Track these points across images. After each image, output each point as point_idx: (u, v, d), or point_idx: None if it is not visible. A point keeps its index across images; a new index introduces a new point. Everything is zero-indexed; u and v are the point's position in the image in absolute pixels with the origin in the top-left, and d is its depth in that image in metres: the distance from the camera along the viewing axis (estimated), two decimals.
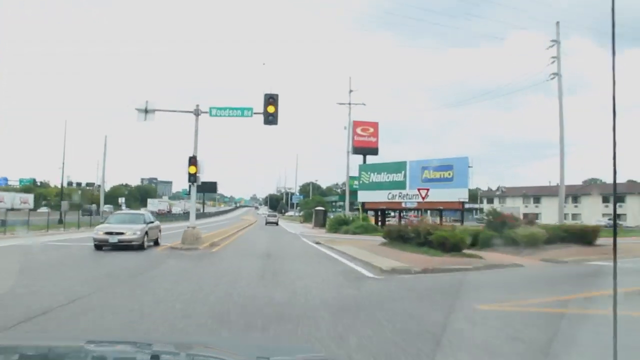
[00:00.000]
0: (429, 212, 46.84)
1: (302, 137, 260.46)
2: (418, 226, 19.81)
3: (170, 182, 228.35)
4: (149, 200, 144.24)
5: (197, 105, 21.44)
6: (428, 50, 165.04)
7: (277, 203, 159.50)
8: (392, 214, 52.31)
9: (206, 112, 21.22)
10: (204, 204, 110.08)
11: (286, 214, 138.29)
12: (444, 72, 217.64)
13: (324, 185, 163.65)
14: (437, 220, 43.84)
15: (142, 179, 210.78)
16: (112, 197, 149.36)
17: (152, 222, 20.78)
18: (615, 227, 2.77)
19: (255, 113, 20.72)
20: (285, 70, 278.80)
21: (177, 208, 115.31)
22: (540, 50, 34.34)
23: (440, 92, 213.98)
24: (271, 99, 19.80)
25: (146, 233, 19.08)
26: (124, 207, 69.24)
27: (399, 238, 20.52)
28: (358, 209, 47.17)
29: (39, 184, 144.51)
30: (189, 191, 23.76)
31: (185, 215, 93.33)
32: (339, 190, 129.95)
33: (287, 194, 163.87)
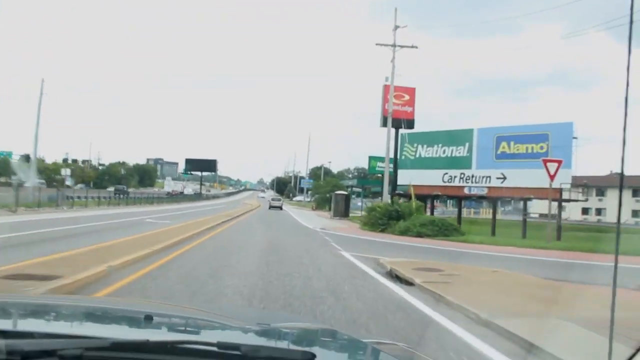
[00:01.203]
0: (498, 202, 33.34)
1: (313, 120, 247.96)
2: None
3: (177, 163, 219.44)
4: (166, 181, 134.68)
5: None
6: (441, 39, 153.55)
7: (284, 187, 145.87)
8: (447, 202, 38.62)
9: None
10: (201, 185, 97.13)
11: (294, 198, 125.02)
12: (457, 61, 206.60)
13: (335, 171, 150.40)
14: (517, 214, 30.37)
15: (148, 159, 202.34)
16: (108, 175, 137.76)
17: None
18: (619, 221, 2.50)
19: None
20: (295, 48, 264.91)
21: (188, 189, 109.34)
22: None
23: (454, 82, 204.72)
24: None
25: None
26: (69, 182, 56.02)
27: None
28: (398, 195, 33.63)
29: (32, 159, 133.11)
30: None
31: (196, 196, 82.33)
32: (350, 176, 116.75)
33: (295, 177, 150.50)
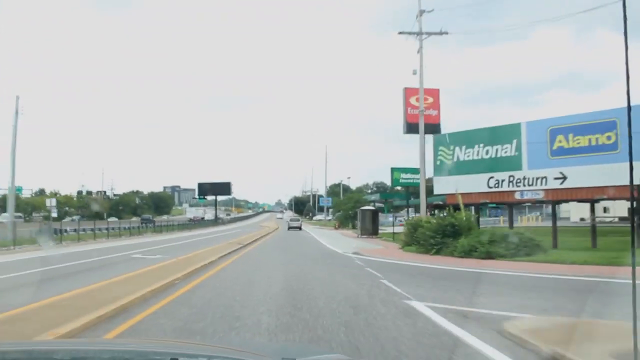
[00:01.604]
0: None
1: (328, 137, 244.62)
2: None
3: (194, 190, 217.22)
4: (186, 207, 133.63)
5: None
6: (447, 49, 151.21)
7: (303, 207, 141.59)
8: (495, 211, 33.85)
9: None
10: (216, 209, 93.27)
11: (314, 218, 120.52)
12: (462, 71, 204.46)
13: (353, 187, 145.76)
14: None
15: (165, 187, 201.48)
16: (121, 204, 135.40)
17: None
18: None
19: None
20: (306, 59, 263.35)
21: (208, 215, 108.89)
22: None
23: (461, 91, 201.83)
24: None
25: None
26: (54, 213, 52.09)
27: None
28: (435, 207, 28.95)
29: (47, 193, 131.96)
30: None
31: (211, 222, 79.05)
32: (369, 191, 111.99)
33: (313, 196, 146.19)
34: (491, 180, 27.20)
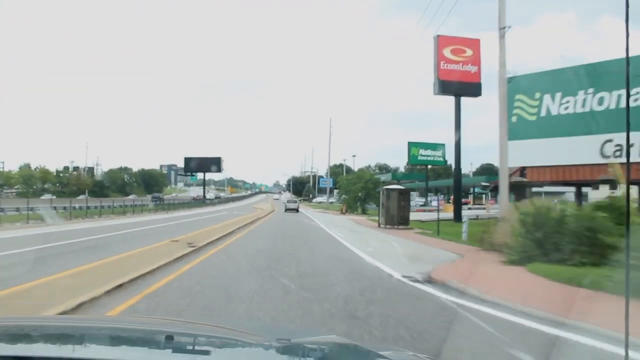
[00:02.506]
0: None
1: (331, 117, 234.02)
2: None
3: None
4: (181, 187, 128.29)
5: None
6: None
7: (302, 188, 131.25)
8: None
9: None
10: (204, 187, 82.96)
11: (314, 200, 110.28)
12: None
13: (354, 168, 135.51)
14: None
15: (161, 166, 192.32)
16: (107, 181, 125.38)
17: None
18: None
19: None
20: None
21: (210, 194, 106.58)
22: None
23: None
24: None
25: None
26: None
27: None
28: (517, 187, 18.82)
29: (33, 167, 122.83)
30: None
31: (197, 202, 69.94)
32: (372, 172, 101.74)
33: (314, 176, 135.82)
34: (607, 145, 17.07)
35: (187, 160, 78.39)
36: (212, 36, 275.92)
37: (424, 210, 56.32)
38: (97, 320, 3.44)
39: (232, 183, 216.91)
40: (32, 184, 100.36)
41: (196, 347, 1.92)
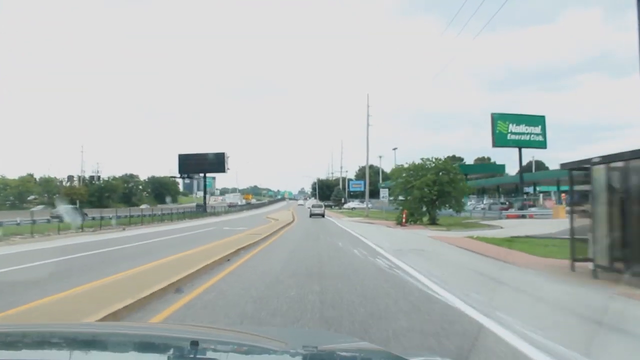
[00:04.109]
0: None
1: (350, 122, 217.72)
2: None
3: (213, 178, 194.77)
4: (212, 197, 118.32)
5: None
6: (472, 33, 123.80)
7: (329, 192, 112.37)
8: None
9: None
10: (205, 191, 65.34)
11: (345, 206, 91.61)
12: (490, 54, 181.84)
13: (386, 169, 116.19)
14: None
15: (182, 175, 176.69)
16: (107, 191, 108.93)
17: None
18: None
19: None
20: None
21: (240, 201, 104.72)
22: None
23: (487, 76, 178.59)
24: None
25: None
26: None
27: None
28: None
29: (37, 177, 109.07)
30: None
31: (198, 211, 54.09)
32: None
33: (343, 179, 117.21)
34: None
35: (182, 159, 60.65)
36: (225, 36, 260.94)
37: (518, 216, 37.29)
38: (121, 327, 3.45)
39: (256, 191, 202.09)
40: (6, 195, 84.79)
41: (221, 354, 1.91)
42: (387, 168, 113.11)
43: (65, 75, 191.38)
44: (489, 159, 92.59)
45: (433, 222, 31.16)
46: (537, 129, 38.08)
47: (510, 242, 15.98)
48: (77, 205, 68.23)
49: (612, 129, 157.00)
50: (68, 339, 1.95)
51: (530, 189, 73.19)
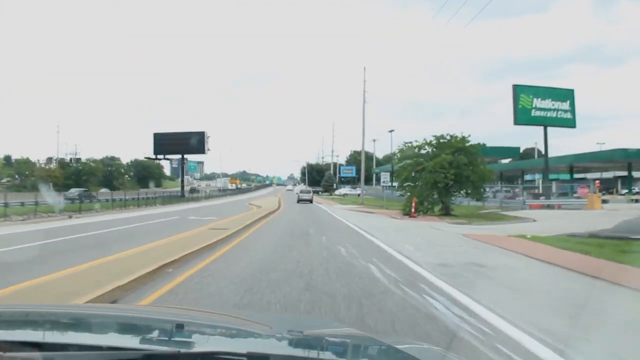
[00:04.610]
0: None
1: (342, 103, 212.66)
2: None
3: (202, 162, 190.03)
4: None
5: None
6: (464, 22, 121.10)
7: (319, 177, 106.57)
8: None
9: None
10: (182, 174, 59.37)
11: (336, 192, 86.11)
12: (483, 44, 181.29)
13: (380, 155, 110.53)
14: None
15: (171, 159, 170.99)
16: (85, 174, 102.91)
17: None
18: None
19: None
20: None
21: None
22: None
23: (480, 66, 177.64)
24: None
25: None
26: None
27: None
28: None
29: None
30: None
31: (174, 196, 48.58)
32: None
33: (334, 164, 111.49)
34: None
35: (158, 139, 54.49)
36: (215, 20, 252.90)
37: (543, 206, 32.02)
38: (110, 308, 3.42)
39: (245, 177, 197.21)
40: None
41: (206, 338, 1.84)
42: (379, 156, 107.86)
43: (65, 76, 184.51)
44: (484, 145, 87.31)
45: (447, 212, 25.73)
46: (565, 105, 32.69)
47: (601, 247, 10.52)
48: (50, 188, 62.16)
49: (599, 119, 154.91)
50: (52, 320, 1.93)
51: (530, 177, 68.19)
